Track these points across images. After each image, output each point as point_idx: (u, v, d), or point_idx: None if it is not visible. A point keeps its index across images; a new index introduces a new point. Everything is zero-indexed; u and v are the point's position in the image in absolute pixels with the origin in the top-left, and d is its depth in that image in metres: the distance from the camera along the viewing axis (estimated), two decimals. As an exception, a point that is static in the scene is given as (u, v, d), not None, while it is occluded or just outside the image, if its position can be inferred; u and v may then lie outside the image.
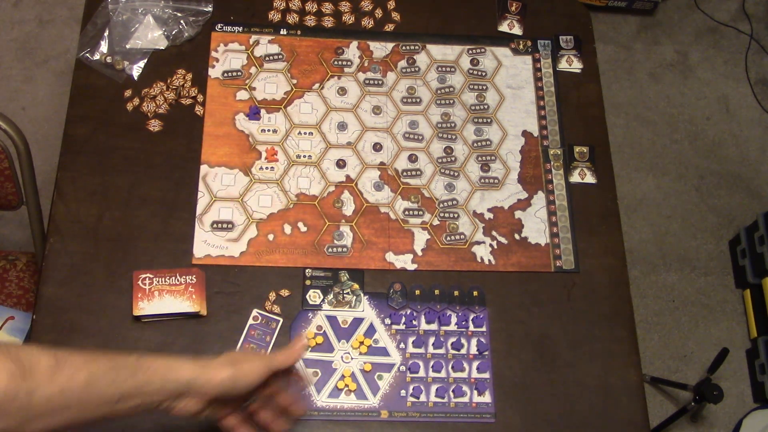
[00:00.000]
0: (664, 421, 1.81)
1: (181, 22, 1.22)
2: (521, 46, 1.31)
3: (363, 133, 1.20)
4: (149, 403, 0.73)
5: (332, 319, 1.07)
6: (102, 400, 0.70)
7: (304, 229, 1.12)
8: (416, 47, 1.28)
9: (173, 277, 1.03)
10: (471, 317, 1.09)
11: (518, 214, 1.17)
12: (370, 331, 1.07)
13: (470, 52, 1.29)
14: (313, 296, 1.08)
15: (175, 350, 1.02)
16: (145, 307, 1.01)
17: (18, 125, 1.19)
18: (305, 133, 1.19)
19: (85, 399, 0.69)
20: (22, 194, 1.28)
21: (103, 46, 1.20)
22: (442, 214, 1.16)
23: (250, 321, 1.05)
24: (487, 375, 1.06)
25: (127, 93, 1.17)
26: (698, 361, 1.98)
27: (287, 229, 1.11)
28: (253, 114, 1.18)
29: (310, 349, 1.02)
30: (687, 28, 2.46)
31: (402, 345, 1.07)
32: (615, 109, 2.27)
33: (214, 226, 1.10)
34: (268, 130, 1.18)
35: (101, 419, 0.71)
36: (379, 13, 1.30)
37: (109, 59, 1.19)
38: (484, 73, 1.27)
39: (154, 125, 1.16)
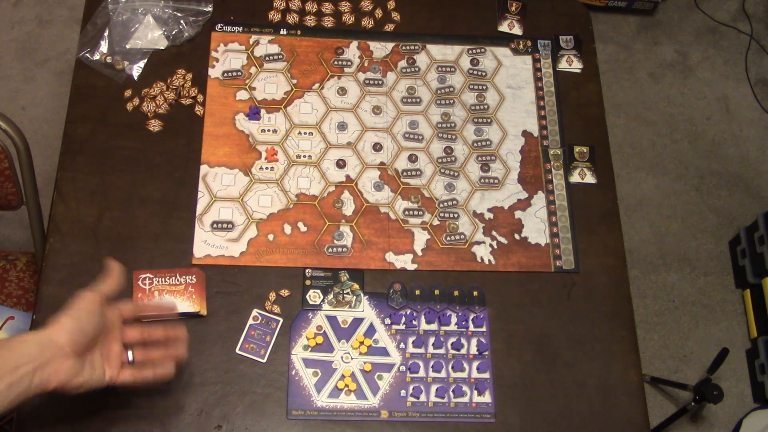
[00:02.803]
0: (664, 421, 1.81)
1: (181, 22, 1.22)
2: (521, 46, 1.31)
3: (363, 133, 1.20)
4: (18, 383, 0.76)
5: (332, 319, 1.07)
6: None
7: (304, 229, 1.12)
8: (416, 47, 1.28)
9: (173, 277, 1.03)
10: (471, 317, 1.09)
11: (518, 214, 1.17)
12: (370, 331, 1.07)
13: (470, 52, 1.29)
14: (313, 296, 1.08)
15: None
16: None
17: (18, 125, 1.19)
18: (305, 133, 1.19)
19: None
20: (22, 194, 1.28)
21: (103, 46, 1.20)
22: (442, 214, 1.16)
23: (250, 321, 1.05)
24: (487, 375, 1.06)
25: (127, 93, 1.17)
26: (698, 361, 1.98)
27: (287, 229, 1.12)
28: (253, 114, 1.18)
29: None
30: (687, 28, 2.46)
31: (402, 345, 1.07)
32: (615, 109, 2.27)
33: (214, 226, 1.10)
34: (268, 130, 1.18)
35: None
36: (379, 13, 1.30)
37: (109, 59, 1.19)
38: (484, 73, 1.28)
39: (154, 125, 1.16)
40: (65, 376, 0.80)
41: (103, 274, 0.89)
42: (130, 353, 0.89)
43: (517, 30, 1.32)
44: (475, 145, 1.22)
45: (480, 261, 1.13)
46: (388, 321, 1.08)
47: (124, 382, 0.87)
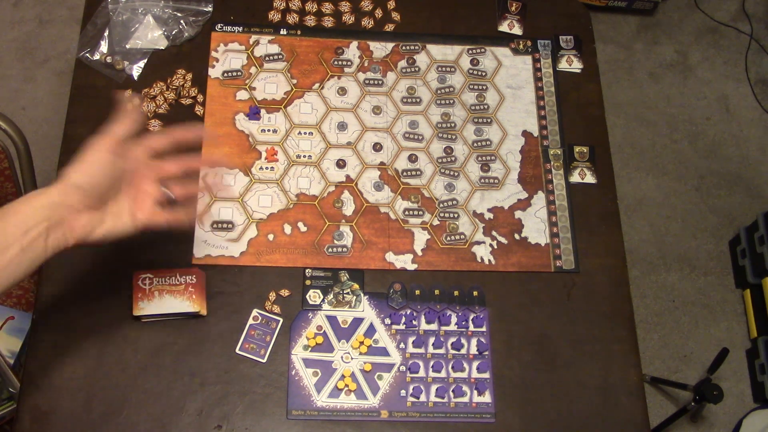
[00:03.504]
0: (664, 421, 1.81)
1: (181, 22, 1.22)
2: (521, 46, 1.31)
3: (363, 133, 1.20)
4: (32, 247, 0.73)
5: (332, 319, 1.07)
6: None
7: (304, 229, 1.12)
8: (416, 47, 1.28)
9: (173, 277, 1.03)
10: (471, 317, 1.09)
11: (518, 214, 1.17)
12: (370, 331, 1.07)
13: (470, 52, 1.29)
14: (313, 296, 1.08)
15: (176, 350, 1.02)
16: (145, 307, 1.02)
17: (18, 125, 1.19)
18: (305, 133, 1.19)
19: None
20: (22, 194, 1.28)
21: (103, 46, 1.20)
22: (442, 214, 1.16)
23: (250, 321, 1.05)
24: (487, 375, 1.06)
25: (127, 93, 1.17)
26: (698, 361, 1.98)
27: (287, 229, 1.12)
28: (253, 114, 1.18)
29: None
30: (687, 28, 2.46)
31: (402, 345, 1.07)
32: (615, 109, 2.27)
33: (214, 226, 1.10)
34: (268, 130, 1.18)
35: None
36: (379, 13, 1.30)
37: (109, 59, 1.19)
38: (484, 73, 1.28)
39: (154, 125, 1.16)
40: (82, 231, 0.76)
41: (117, 114, 0.82)
42: (170, 193, 0.83)
43: (517, 30, 1.32)
44: (475, 145, 1.22)
45: (480, 261, 1.13)
46: (388, 321, 1.08)
47: (157, 224, 0.83)
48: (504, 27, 1.32)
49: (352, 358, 1.05)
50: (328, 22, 1.28)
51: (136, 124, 0.82)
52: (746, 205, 2.19)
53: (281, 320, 1.05)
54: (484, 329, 1.09)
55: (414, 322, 1.08)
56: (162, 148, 0.85)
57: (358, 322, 1.07)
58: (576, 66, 1.30)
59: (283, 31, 1.26)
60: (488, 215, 1.17)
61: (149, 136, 0.84)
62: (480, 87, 1.26)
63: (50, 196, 0.76)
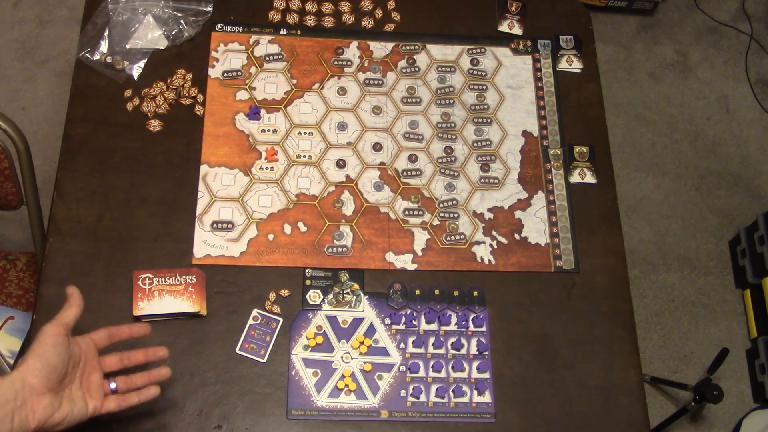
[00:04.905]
0: (664, 421, 1.81)
1: (181, 22, 1.22)
2: (521, 46, 1.31)
3: (363, 133, 1.20)
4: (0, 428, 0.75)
5: (332, 319, 1.07)
6: None
7: (304, 229, 1.12)
8: (416, 47, 1.28)
9: (173, 277, 1.03)
10: (471, 317, 1.09)
11: (518, 214, 1.17)
12: (370, 331, 1.07)
13: (470, 52, 1.29)
14: (313, 296, 1.08)
15: (176, 350, 1.02)
16: (145, 307, 1.02)
17: (18, 125, 1.19)
18: (305, 133, 1.19)
19: None
20: (22, 194, 1.28)
21: (103, 46, 1.20)
22: (442, 214, 1.16)
23: (250, 321, 1.05)
24: (487, 375, 1.06)
25: (127, 93, 1.17)
26: (698, 361, 1.98)
27: (287, 229, 1.11)
28: (253, 114, 1.18)
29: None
30: (687, 28, 2.46)
31: (402, 345, 1.07)
32: (615, 109, 2.27)
33: (214, 226, 1.10)
34: (268, 130, 1.18)
35: None
36: (379, 13, 1.30)
37: (109, 59, 1.19)
38: (484, 73, 1.28)
39: (154, 125, 1.16)
40: (43, 414, 0.79)
41: (65, 303, 0.87)
42: (113, 383, 0.88)
43: (517, 30, 1.32)
44: (475, 145, 1.22)
45: (480, 261, 1.13)
46: (388, 321, 1.08)
47: (109, 411, 0.87)
48: (504, 27, 1.32)
49: (352, 358, 1.05)
50: (328, 22, 1.27)
51: (80, 311, 0.87)
52: (746, 205, 2.19)
53: (281, 320, 1.05)
54: (484, 329, 1.09)
55: (414, 322, 1.08)
56: (103, 344, 0.89)
57: (358, 322, 1.07)
58: (576, 66, 1.30)
59: (283, 31, 1.26)
60: (488, 215, 1.17)
61: (93, 332, 0.89)
62: (480, 87, 1.26)
63: (15, 377, 0.78)
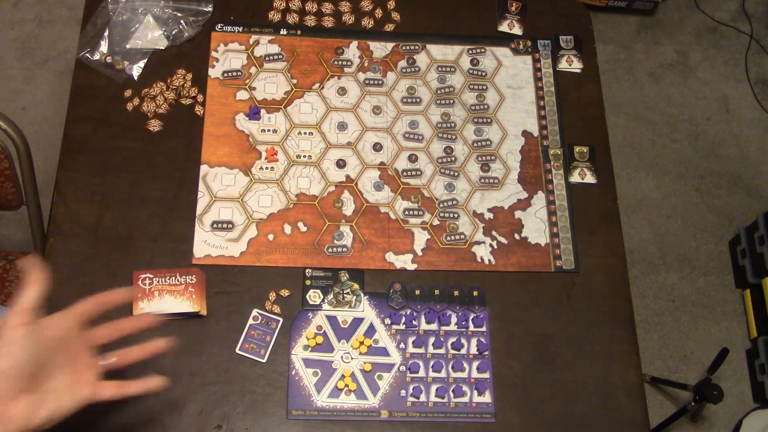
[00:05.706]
0: (664, 421, 1.81)
1: (181, 22, 1.22)
2: (521, 46, 1.31)
3: (363, 133, 1.20)
4: None
5: (332, 319, 1.07)
6: None
7: (304, 229, 1.12)
8: (416, 47, 1.28)
9: (173, 277, 1.03)
10: (471, 317, 1.09)
11: (518, 214, 1.17)
12: (370, 331, 1.07)
13: (470, 52, 1.29)
14: (313, 296, 1.08)
15: (176, 350, 1.02)
16: (145, 307, 1.02)
17: (18, 125, 1.19)
18: (305, 133, 1.19)
19: None
20: (22, 194, 1.28)
21: (103, 46, 1.20)
22: (442, 214, 1.16)
23: (250, 321, 1.05)
24: (487, 375, 1.06)
25: (127, 93, 1.17)
26: (698, 361, 1.98)
27: (287, 229, 1.12)
28: (253, 114, 1.18)
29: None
30: (687, 28, 2.46)
31: (402, 345, 1.07)
32: (615, 109, 2.27)
33: (214, 226, 1.10)
34: (268, 130, 1.18)
35: None
36: (379, 13, 1.30)
37: (109, 59, 1.19)
38: (484, 73, 1.28)
39: (154, 125, 1.16)
40: (23, 419, 0.69)
41: (22, 282, 0.74)
42: (109, 361, 0.79)
43: (517, 30, 1.32)
44: (475, 145, 1.22)
45: (480, 261, 1.13)
46: (388, 321, 1.08)
47: (107, 397, 0.77)
48: (504, 27, 1.32)
49: (352, 358, 1.05)
50: (328, 22, 1.28)
51: (43, 287, 0.73)
52: (746, 205, 2.19)
53: (281, 320, 1.05)
54: (484, 329, 1.09)
55: (414, 322, 1.08)
56: (90, 315, 0.78)
57: (358, 322, 1.07)
58: (576, 66, 1.30)
59: (283, 31, 1.26)
60: (488, 215, 1.17)
61: (75, 305, 0.77)
62: (480, 87, 1.26)
63: None
